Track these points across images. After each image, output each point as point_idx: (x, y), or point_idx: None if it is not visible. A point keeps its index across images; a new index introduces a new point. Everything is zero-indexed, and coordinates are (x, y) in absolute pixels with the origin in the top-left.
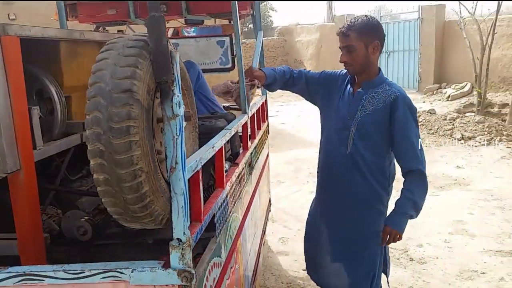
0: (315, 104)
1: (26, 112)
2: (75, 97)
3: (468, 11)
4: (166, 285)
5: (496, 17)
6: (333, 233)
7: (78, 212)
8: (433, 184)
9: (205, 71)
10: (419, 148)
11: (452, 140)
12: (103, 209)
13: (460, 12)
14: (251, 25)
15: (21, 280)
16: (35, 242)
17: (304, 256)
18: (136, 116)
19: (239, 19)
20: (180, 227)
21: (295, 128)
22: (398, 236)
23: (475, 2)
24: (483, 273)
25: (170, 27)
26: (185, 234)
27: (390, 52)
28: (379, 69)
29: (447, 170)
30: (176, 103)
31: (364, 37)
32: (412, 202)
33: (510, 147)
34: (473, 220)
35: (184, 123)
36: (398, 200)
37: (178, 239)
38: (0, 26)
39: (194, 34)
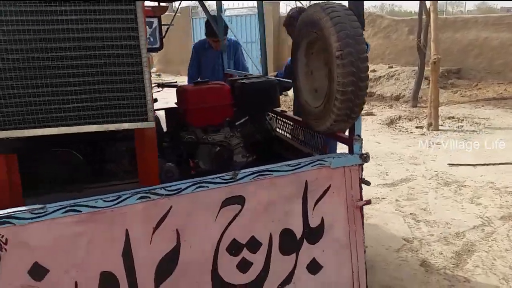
0: None
1: None
2: None
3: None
4: (352, 165)
5: None
6: None
7: (160, 160)
8: None
9: None
10: None
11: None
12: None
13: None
14: None
15: (257, 176)
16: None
17: None
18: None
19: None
20: (359, 127)
21: None
22: None
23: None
24: (384, 198)
25: None
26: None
27: (247, 43)
28: None
29: None
30: None
31: None
32: None
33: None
34: None
35: None
36: None
37: (358, 135)
38: None
39: None
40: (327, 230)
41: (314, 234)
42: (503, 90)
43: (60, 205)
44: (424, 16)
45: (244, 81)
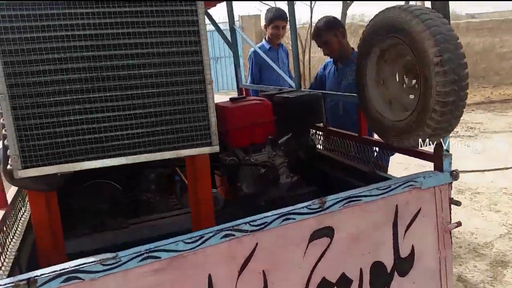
0: None
1: None
2: None
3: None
4: (442, 184)
5: (311, 24)
6: None
7: None
8: None
9: None
10: None
11: None
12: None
13: None
14: None
15: (347, 203)
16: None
17: None
18: None
19: None
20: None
21: None
22: None
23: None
24: None
25: None
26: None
27: (217, 58)
28: (353, 48)
29: None
30: None
31: (332, 30)
32: None
33: None
34: None
35: None
36: None
37: (446, 150)
38: None
39: None
40: (418, 259)
41: (404, 264)
42: (489, 94)
43: (136, 252)
44: None
45: (286, 95)
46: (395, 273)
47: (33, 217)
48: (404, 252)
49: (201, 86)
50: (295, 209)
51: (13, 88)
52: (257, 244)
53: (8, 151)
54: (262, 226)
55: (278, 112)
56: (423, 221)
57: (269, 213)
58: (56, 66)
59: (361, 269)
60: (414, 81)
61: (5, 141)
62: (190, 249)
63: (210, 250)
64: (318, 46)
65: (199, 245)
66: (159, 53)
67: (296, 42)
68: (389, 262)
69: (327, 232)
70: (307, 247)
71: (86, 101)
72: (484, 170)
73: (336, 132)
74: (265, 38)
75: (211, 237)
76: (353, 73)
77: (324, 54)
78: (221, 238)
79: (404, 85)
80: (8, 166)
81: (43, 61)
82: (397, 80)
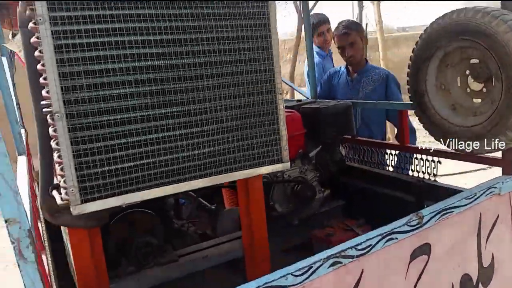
0: None
1: None
2: None
3: None
4: None
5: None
6: None
7: (234, 210)
8: None
9: None
10: None
11: None
12: None
13: None
14: None
15: (442, 216)
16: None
17: None
18: None
19: None
20: None
21: None
22: None
23: None
24: None
25: None
26: None
27: None
28: (365, 59)
29: None
30: None
31: (359, 33)
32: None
33: None
34: None
35: None
36: None
37: None
38: None
39: None
40: (498, 268)
41: (487, 274)
42: None
43: None
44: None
45: (314, 105)
46: (480, 284)
47: (76, 263)
48: (486, 261)
49: (272, 96)
50: (395, 228)
51: (71, 105)
52: (363, 270)
53: (62, 181)
54: (367, 249)
55: (307, 124)
56: (500, 228)
57: (370, 234)
58: (123, 77)
59: (452, 284)
60: (481, 85)
61: (59, 170)
62: (299, 282)
63: (318, 282)
64: (339, 48)
65: (307, 277)
66: (229, 61)
67: (312, 47)
68: (474, 273)
69: (425, 249)
70: (408, 267)
71: (157, 117)
72: (462, 172)
73: (371, 143)
74: (317, 46)
75: (319, 266)
76: (371, 83)
77: (348, 56)
78: (328, 268)
79: (468, 89)
80: (58, 201)
81: (108, 71)
82: (459, 84)
